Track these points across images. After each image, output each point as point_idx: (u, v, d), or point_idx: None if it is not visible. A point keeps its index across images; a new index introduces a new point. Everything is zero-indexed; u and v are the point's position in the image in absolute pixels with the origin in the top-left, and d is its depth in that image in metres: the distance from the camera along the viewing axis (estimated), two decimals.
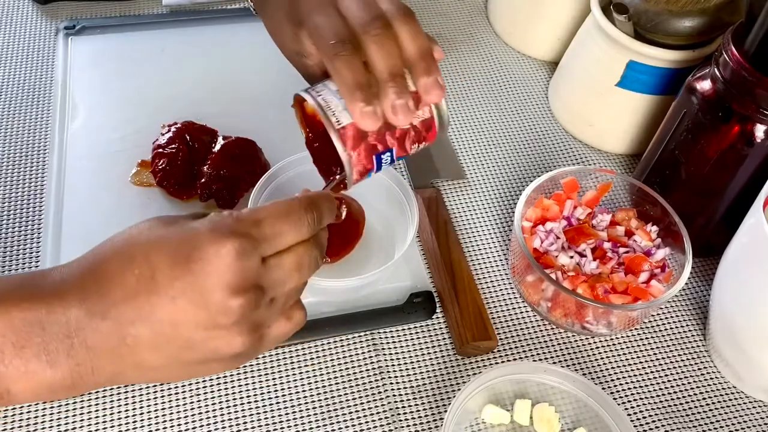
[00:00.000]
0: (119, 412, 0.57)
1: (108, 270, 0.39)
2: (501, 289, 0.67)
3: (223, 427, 0.57)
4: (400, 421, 0.58)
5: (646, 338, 0.66)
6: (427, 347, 0.63)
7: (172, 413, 0.57)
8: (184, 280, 0.38)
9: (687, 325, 0.67)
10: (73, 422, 0.56)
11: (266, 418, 0.57)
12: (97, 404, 0.57)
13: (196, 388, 0.58)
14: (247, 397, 0.58)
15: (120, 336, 0.39)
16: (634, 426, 0.60)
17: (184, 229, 0.39)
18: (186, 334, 0.39)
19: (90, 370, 0.39)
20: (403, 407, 0.59)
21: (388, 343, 0.63)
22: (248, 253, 0.38)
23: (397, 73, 0.45)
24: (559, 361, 0.63)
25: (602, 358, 0.64)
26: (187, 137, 0.70)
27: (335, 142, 0.45)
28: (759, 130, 0.60)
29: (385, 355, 0.62)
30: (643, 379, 0.63)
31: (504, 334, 0.64)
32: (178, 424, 0.56)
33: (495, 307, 0.66)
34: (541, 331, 0.65)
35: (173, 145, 0.70)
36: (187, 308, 0.38)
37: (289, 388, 0.59)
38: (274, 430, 0.57)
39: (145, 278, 0.38)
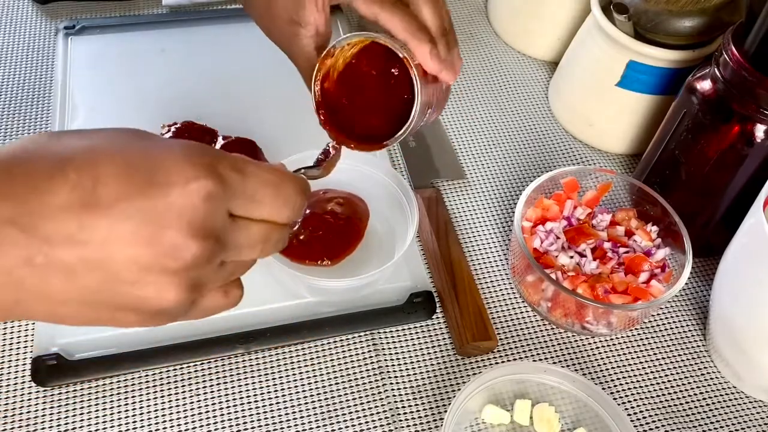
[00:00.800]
0: (119, 412, 0.57)
1: (33, 167, 0.31)
2: (501, 289, 0.67)
3: (223, 427, 0.57)
4: (400, 421, 0.58)
5: (646, 338, 0.66)
6: (427, 347, 0.63)
7: (172, 413, 0.57)
8: (134, 202, 0.31)
9: (687, 325, 0.67)
10: (73, 422, 0.56)
11: (266, 418, 0.57)
12: (97, 404, 0.57)
13: (196, 388, 0.58)
14: (247, 397, 0.58)
15: (27, 253, 0.30)
16: (634, 426, 0.60)
17: (152, 143, 0.33)
18: (116, 269, 0.31)
19: None
20: (403, 407, 0.59)
21: (388, 343, 0.63)
22: (219, 199, 0.33)
23: (447, 30, 0.49)
24: (559, 361, 0.63)
25: (602, 358, 0.64)
26: (187, 137, 0.70)
27: (412, 74, 0.47)
28: (759, 130, 0.60)
29: (385, 355, 0.62)
30: (643, 379, 0.63)
31: (504, 334, 0.64)
32: (178, 424, 0.56)
33: (495, 307, 0.66)
34: (541, 331, 0.65)
35: None
36: (130, 238, 0.31)
37: (289, 388, 0.59)
38: (274, 430, 0.57)
39: (83, 188, 0.31)
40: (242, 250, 0.36)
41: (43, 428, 0.55)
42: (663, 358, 0.64)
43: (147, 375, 0.59)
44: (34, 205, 0.30)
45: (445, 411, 0.56)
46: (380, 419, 0.58)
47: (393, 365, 0.61)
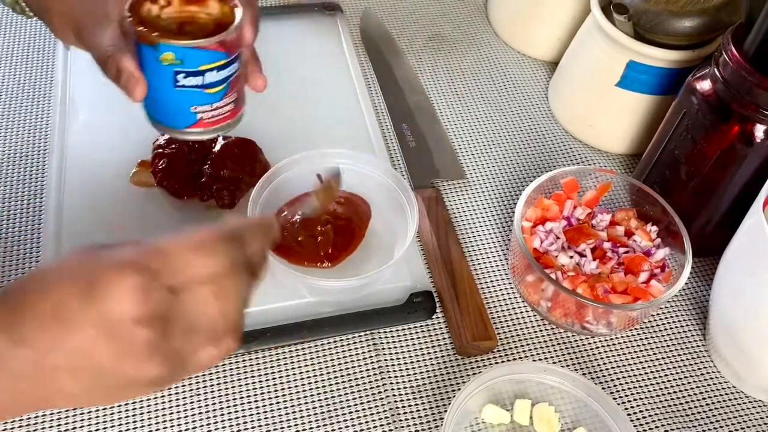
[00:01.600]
0: (119, 412, 0.57)
1: (28, 298, 0.40)
2: (501, 289, 0.67)
3: (223, 427, 0.57)
4: (400, 421, 0.58)
5: (646, 338, 0.66)
6: (427, 347, 0.63)
7: (172, 413, 0.57)
8: (89, 310, 0.38)
9: (687, 325, 0.67)
10: (73, 422, 0.56)
11: (266, 418, 0.57)
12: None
13: (196, 388, 0.58)
14: (247, 397, 0.58)
15: (39, 364, 0.39)
16: (634, 426, 0.60)
17: (91, 259, 0.40)
18: (98, 363, 0.39)
19: (15, 395, 0.40)
20: (403, 407, 0.59)
21: (388, 343, 0.63)
22: (148, 284, 0.39)
23: None
24: (559, 361, 0.63)
25: (602, 358, 0.64)
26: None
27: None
28: (759, 130, 0.60)
29: (385, 355, 0.62)
30: (643, 379, 0.63)
31: (504, 334, 0.64)
32: (178, 424, 0.57)
33: (495, 307, 0.66)
34: (541, 331, 0.65)
35: (173, 145, 0.70)
36: (96, 338, 0.38)
37: (289, 388, 0.59)
38: (274, 430, 0.57)
39: (58, 307, 0.39)
40: (202, 310, 0.41)
41: (43, 428, 0.55)
42: (663, 358, 0.64)
43: None
44: (35, 326, 0.38)
45: (445, 411, 0.56)
46: (380, 419, 0.58)
47: (393, 365, 0.61)
